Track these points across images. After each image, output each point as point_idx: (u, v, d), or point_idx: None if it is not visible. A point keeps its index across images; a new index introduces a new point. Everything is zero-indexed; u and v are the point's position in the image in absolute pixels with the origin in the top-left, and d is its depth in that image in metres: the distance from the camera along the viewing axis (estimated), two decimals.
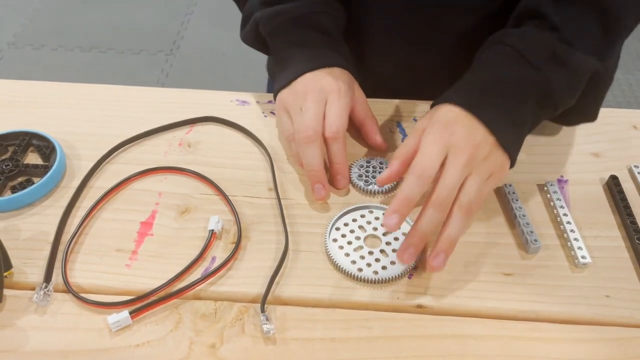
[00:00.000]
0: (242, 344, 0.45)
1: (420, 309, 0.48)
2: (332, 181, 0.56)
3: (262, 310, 0.46)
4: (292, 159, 0.59)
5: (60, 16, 2.30)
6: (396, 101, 0.67)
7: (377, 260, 0.50)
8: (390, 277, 0.49)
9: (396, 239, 0.52)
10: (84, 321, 0.46)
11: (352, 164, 0.59)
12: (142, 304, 0.46)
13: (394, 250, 0.51)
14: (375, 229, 0.53)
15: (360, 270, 0.49)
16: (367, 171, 0.58)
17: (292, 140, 0.57)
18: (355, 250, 0.51)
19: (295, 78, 0.58)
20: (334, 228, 0.53)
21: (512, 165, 0.52)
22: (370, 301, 0.48)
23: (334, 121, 0.55)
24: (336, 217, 0.53)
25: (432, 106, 0.54)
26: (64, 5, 2.36)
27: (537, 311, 0.47)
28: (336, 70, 0.58)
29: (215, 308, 0.47)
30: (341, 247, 0.51)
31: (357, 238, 0.52)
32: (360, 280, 0.49)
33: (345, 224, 0.53)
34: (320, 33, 0.61)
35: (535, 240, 0.51)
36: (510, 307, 0.48)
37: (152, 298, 0.47)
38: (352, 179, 0.57)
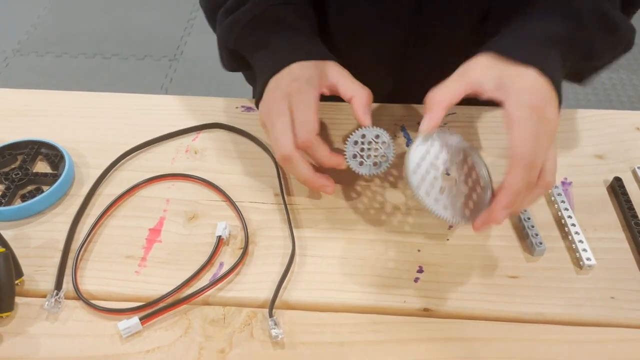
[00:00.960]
0: (251, 349, 0.45)
1: (426, 312, 0.48)
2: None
3: (270, 315, 0.47)
4: None
5: (65, 23, 2.32)
6: (400, 106, 0.68)
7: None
8: None
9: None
10: (95, 328, 0.47)
11: (346, 141, 0.54)
12: (151, 310, 0.47)
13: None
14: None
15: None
16: (361, 149, 0.54)
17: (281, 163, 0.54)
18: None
19: (263, 89, 0.56)
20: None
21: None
22: (378, 305, 0.48)
23: (299, 129, 0.52)
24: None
25: (484, 50, 0.51)
26: (68, 12, 2.38)
27: (543, 313, 0.48)
28: (295, 67, 0.55)
29: (224, 313, 0.48)
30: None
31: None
32: None
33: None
34: (278, 27, 0.59)
35: (540, 243, 0.51)
36: (516, 310, 0.48)
37: (162, 304, 0.48)
38: (346, 158, 0.54)
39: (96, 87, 1.96)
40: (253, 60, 0.60)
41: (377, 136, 0.54)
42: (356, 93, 0.55)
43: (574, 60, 0.53)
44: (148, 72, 2.08)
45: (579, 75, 0.61)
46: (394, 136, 0.64)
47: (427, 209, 0.47)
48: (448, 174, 0.50)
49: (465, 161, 0.52)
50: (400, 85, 0.72)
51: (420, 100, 0.61)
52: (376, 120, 0.65)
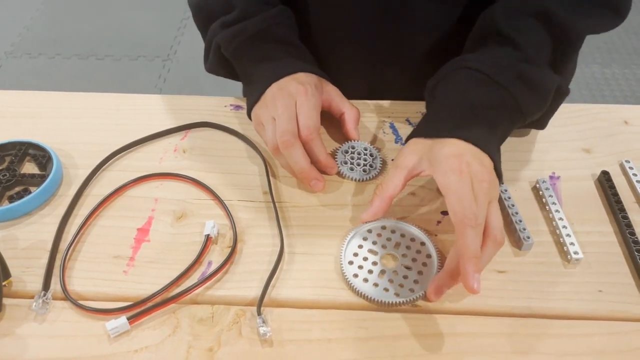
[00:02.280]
0: (239, 347, 0.45)
1: (415, 308, 0.48)
2: (322, 173, 0.58)
3: (259, 313, 0.47)
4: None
5: (57, 25, 2.31)
6: (388, 102, 0.68)
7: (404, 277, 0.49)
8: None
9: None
10: (83, 328, 0.46)
11: (336, 150, 0.60)
12: (139, 309, 0.47)
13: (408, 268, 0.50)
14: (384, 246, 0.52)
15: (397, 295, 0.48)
16: (352, 157, 0.60)
17: (276, 151, 0.56)
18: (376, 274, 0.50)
19: (263, 91, 0.59)
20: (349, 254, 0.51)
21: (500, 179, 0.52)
22: (366, 301, 0.48)
23: (305, 122, 0.56)
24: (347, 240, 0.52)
25: (408, 139, 0.54)
26: (61, 14, 2.37)
27: (530, 307, 0.48)
28: (300, 75, 0.59)
29: (213, 312, 0.48)
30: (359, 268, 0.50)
31: (374, 263, 0.51)
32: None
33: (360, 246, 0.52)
34: (280, 44, 0.63)
35: (528, 237, 0.51)
36: (504, 304, 0.48)
37: (150, 303, 0.47)
38: (337, 164, 0.59)
39: (89, 88, 1.95)
40: (252, 69, 0.62)
41: (365, 149, 0.61)
42: (347, 110, 0.61)
43: (506, 121, 0.54)
44: (141, 73, 2.08)
45: (533, 124, 0.60)
46: (382, 132, 0.64)
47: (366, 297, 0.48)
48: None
49: (404, 238, 0.52)
50: (375, 88, 0.72)
51: (406, 89, 0.63)
52: (367, 116, 0.65)
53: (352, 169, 0.59)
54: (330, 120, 0.63)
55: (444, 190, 0.48)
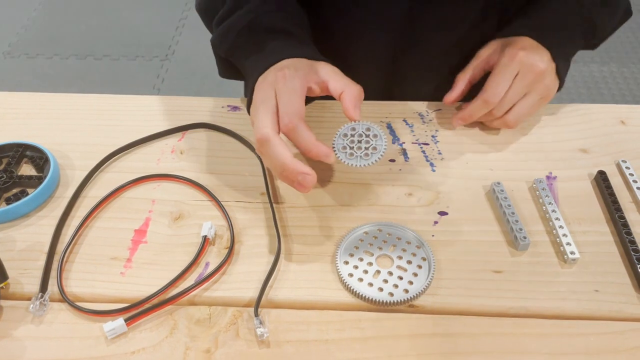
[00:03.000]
0: (236, 348, 0.45)
1: (412, 308, 0.48)
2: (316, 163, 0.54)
3: (256, 314, 0.47)
4: None
5: (56, 25, 2.31)
6: (386, 102, 0.68)
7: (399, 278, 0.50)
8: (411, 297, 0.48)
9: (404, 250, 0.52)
10: (80, 330, 0.47)
11: (335, 134, 0.53)
12: (137, 311, 0.47)
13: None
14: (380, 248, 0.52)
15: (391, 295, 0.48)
16: (351, 141, 0.52)
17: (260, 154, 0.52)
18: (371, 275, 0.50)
19: (253, 90, 0.55)
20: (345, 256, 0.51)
21: (559, 89, 0.62)
22: (363, 302, 0.48)
23: (283, 110, 0.50)
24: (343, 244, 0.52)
25: (498, 36, 0.63)
26: (59, 14, 2.37)
27: (527, 307, 0.48)
28: (283, 62, 0.54)
29: (210, 313, 0.48)
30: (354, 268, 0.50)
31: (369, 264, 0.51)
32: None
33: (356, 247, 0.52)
34: (269, 33, 0.59)
35: (525, 237, 0.51)
36: (500, 304, 0.48)
37: (147, 305, 0.48)
38: (335, 151, 0.52)
39: (88, 88, 1.95)
40: (245, 65, 0.59)
41: (368, 129, 0.53)
42: (347, 88, 0.53)
43: (577, 34, 0.63)
44: (140, 73, 2.08)
45: (590, 44, 0.68)
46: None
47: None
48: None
49: (400, 241, 0.53)
50: (392, 86, 0.72)
51: (411, 99, 0.63)
52: (364, 117, 0.65)
53: (351, 154, 0.52)
54: (325, 107, 0.62)
55: (495, 65, 0.59)
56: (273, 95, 0.51)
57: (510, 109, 0.60)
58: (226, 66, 0.65)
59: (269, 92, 0.52)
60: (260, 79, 0.54)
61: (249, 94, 0.56)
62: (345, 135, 0.52)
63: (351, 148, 0.52)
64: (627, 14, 0.66)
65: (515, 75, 0.58)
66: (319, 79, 0.54)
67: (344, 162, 0.52)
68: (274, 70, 0.54)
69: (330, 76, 0.54)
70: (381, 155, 0.52)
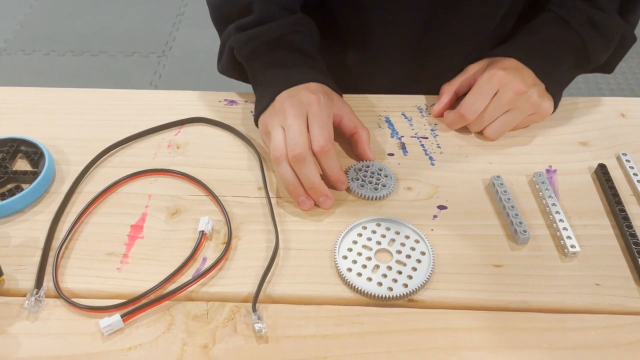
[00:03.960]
0: (234, 344, 0.45)
1: (411, 302, 0.48)
2: (331, 188, 0.55)
3: (254, 310, 0.46)
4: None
5: (52, 21, 2.30)
6: (384, 96, 0.67)
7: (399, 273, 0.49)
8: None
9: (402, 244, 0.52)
10: (76, 326, 0.46)
11: (349, 167, 0.58)
12: (133, 307, 0.46)
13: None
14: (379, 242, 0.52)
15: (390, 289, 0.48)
16: (364, 175, 0.57)
17: (281, 161, 0.54)
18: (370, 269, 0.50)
19: (273, 98, 0.57)
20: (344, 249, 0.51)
21: (554, 109, 0.62)
22: (361, 297, 0.48)
23: (319, 134, 0.53)
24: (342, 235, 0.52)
25: (489, 55, 0.64)
26: (55, 10, 2.35)
27: (527, 301, 0.48)
28: (312, 85, 0.57)
29: (207, 309, 0.47)
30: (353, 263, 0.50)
31: (368, 258, 0.50)
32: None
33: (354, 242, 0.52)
34: (295, 52, 0.61)
35: (525, 231, 0.51)
36: (500, 298, 0.48)
37: (144, 301, 0.47)
38: (348, 179, 0.56)
39: (84, 84, 1.93)
40: (263, 75, 0.61)
41: (380, 169, 0.58)
42: (359, 130, 0.58)
43: (569, 60, 0.63)
44: (136, 69, 2.07)
45: (600, 68, 0.68)
46: (378, 126, 0.64)
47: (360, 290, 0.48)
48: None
49: (399, 235, 0.52)
50: (413, 79, 0.72)
51: (432, 92, 0.66)
52: (362, 110, 0.65)
53: (362, 186, 0.56)
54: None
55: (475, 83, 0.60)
56: (305, 115, 0.54)
57: (490, 124, 0.61)
58: (233, 66, 0.64)
59: (301, 111, 0.54)
60: (286, 93, 0.57)
61: (264, 102, 0.58)
62: (359, 169, 0.58)
63: (363, 180, 0.57)
64: (627, 39, 0.65)
65: (495, 94, 0.59)
66: (335, 111, 0.58)
67: (355, 191, 0.56)
68: (305, 91, 0.56)
69: (345, 111, 0.59)
70: (390, 191, 0.56)
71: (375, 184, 0.56)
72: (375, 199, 0.55)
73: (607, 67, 0.68)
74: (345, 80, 0.68)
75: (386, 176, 0.57)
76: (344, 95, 0.63)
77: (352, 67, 0.74)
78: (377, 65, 0.73)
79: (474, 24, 0.68)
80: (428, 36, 0.68)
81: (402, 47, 0.71)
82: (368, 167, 0.58)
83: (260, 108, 0.59)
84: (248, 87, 0.68)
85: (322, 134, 0.53)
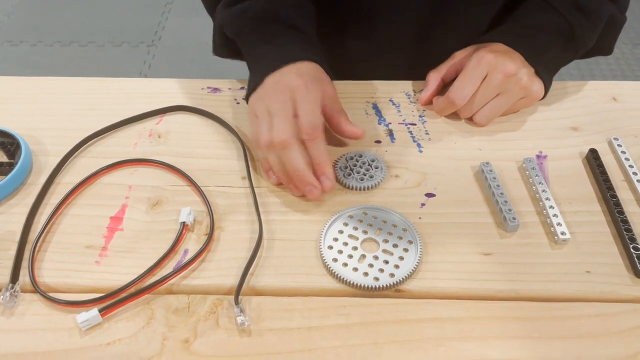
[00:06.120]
0: (216, 338, 0.44)
1: (398, 293, 0.47)
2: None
3: (236, 302, 0.45)
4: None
5: (39, 11, 2.26)
6: (371, 82, 0.66)
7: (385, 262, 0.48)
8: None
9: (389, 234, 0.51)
10: (54, 321, 0.45)
11: (340, 156, 0.56)
12: (112, 301, 0.45)
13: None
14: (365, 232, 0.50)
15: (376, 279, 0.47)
16: (353, 164, 0.55)
17: (266, 148, 0.52)
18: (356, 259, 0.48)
19: (262, 80, 0.55)
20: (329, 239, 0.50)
21: (544, 94, 0.61)
22: (347, 287, 0.47)
23: (307, 120, 0.51)
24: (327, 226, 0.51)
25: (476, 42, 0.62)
26: (43, 0, 2.32)
27: (517, 290, 0.46)
28: (302, 65, 0.55)
29: (189, 302, 0.46)
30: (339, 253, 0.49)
31: (354, 248, 0.49)
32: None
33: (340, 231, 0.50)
34: (285, 27, 0.59)
35: (514, 219, 0.50)
36: (489, 287, 0.47)
37: (123, 294, 0.46)
38: (335, 168, 0.55)
39: (73, 75, 1.89)
40: (253, 51, 0.59)
41: (373, 160, 0.56)
42: (338, 110, 0.56)
43: (557, 45, 0.61)
44: (125, 59, 2.04)
45: (598, 50, 0.66)
46: (365, 113, 0.62)
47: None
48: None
49: (386, 224, 0.51)
50: (415, 67, 0.71)
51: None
52: (349, 97, 0.63)
53: (349, 174, 0.55)
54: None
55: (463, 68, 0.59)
56: (292, 99, 0.52)
57: (480, 109, 0.59)
58: (224, 43, 0.63)
59: (287, 96, 0.52)
60: (274, 77, 0.54)
61: (254, 83, 0.56)
62: (351, 158, 0.56)
63: (351, 169, 0.55)
64: (616, 20, 0.63)
65: (485, 78, 0.57)
66: (321, 94, 0.55)
67: (341, 180, 0.54)
68: (293, 74, 0.54)
69: (328, 96, 0.55)
70: (376, 183, 0.54)
71: (363, 174, 0.55)
72: (360, 190, 0.54)
73: (605, 49, 0.67)
74: (345, 70, 0.67)
75: (377, 167, 0.55)
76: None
77: (355, 56, 0.72)
78: (380, 54, 0.72)
79: (480, 8, 0.67)
80: (433, 23, 0.67)
81: (407, 35, 0.69)
82: (360, 156, 0.56)
83: (250, 88, 0.57)
84: (238, 74, 0.66)
85: (309, 119, 0.51)
